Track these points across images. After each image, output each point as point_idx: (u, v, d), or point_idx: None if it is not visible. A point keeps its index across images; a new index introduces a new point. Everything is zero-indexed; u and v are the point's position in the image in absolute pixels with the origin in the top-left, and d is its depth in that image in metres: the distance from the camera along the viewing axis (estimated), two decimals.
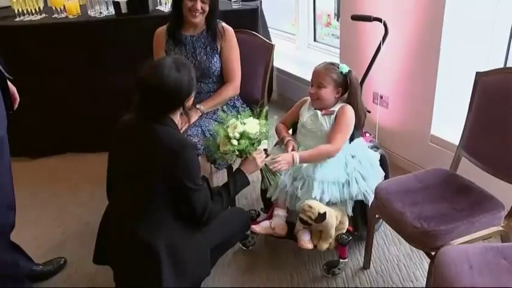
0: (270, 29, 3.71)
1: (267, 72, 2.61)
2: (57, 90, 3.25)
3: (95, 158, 3.25)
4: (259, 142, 1.98)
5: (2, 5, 3.37)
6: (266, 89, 2.64)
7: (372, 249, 2.23)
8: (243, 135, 1.94)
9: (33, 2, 3.15)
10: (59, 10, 3.19)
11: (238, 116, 2.04)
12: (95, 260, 1.89)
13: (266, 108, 2.42)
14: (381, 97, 2.96)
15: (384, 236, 2.38)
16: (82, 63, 3.16)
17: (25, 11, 3.17)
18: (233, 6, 3.07)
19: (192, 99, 1.78)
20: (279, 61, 4.06)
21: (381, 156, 2.24)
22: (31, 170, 3.26)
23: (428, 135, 2.69)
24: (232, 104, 2.50)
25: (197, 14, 2.31)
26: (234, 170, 2.01)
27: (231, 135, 1.94)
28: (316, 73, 2.15)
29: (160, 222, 1.68)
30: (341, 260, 2.10)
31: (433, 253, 1.67)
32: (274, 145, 2.35)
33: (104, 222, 1.87)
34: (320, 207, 1.96)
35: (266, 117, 2.10)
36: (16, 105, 1.97)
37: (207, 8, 2.32)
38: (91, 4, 3.14)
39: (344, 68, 2.13)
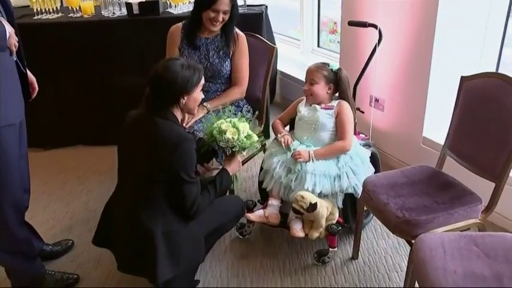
0: (275, 34, 3.87)
1: (268, 72, 2.76)
2: (71, 86, 3.43)
3: (104, 151, 3.42)
4: (240, 149, 2.09)
5: (22, 4, 3.56)
6: (267, 89, 2.79)
7: (362, 242, 2.36)
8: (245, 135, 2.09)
9: (51, 2, 3.34)
10: (74, 10, 3.37)
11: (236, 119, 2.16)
12: (94, 241, 2.02)
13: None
14: (377, 100, 3.09)
15: (374, 230, 2.50)
16: (94, 60, 3.33)
17: (43, 10, 3.35)
18: (239, 11, 3.22)
19: (193, 100, 1.89)
20: (283, 65, 4.22)
21: (372, 153, 2.38)
22: (43, 160, 3.43)
23: (420, 137, 2.82)
24: (236, 103, 2.64)
25: (217, 24, 2.44)
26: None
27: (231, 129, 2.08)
28: (309, 71, 2.32)
29: (158, 209, 1.80)
30: (330, 249, 2.24)
31: (414, 241, 1.79)
32: (272, 140, 2.50)
33: (107, 208, 2.01)
34: (312, 198, 2.10)
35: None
36: (34, 95, 2.12)
37: (226, 18, 2.45)
38: (105, 5, 3.32)
39: (334, 66, 2.30)
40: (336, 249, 2.25)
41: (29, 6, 3.47)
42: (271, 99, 3.99)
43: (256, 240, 2.47)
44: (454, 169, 2.09)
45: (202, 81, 1.90)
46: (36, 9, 3.34)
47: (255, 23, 3.18)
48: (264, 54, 2.75)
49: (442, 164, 2.16)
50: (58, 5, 3.42)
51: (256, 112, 2.43)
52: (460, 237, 1.66)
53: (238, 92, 2.58)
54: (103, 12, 3.33)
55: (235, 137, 2.05)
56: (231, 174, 2.06)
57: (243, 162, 2.70)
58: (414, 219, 1.79)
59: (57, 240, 2.46)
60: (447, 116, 2.26)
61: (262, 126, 2.78)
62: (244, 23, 2.92)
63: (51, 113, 3.48)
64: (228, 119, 2.15)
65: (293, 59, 4.36)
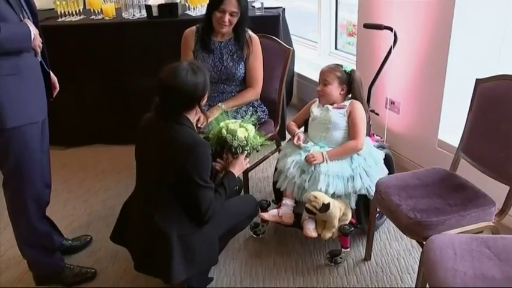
0: (293, 37, 3.90)
1: (284, 74, 2.79)
2: (91, 87, 3.52)
3: (122, 150, 3.50)
4: (251, 148, 2.12)
5: (46, 7, 3.66)
6: (283, 90, 2.82)
7: (375, 243, 2.37)
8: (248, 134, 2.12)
9: (74, 4, 3.43)
10: (96, 12, 3.47)
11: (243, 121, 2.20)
12: (112, 238, 2.09)
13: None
14: (393, 103, 3.10)
15: (387, 231, 2.51)
16: (114, 62, 3.41)
17: (66, 13, 3.45)
18: (256, 13, 3.27)
19: (206, 99, 1.93)
20: (301, 67, 4.25)
21: (386, 155, 2.39)
22: (64, 158, 3.53)
23: (436, 140, 2.82)
24: (251, 104, 2.68)
25: (224, 25, 2.47)
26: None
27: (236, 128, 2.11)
28: (322, 72, 2.35)
29: (173, 213, 1.84)
30: (343, 250, 2.26)
31: (425, 243, 1.80)
32: (288, 141, 2.54)
33: (125, 208, 2.07)
34: (325, 198, 2.13)
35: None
36: (55, 94, 2.20)
37: (234, 21, 2.48)
38: (125, 7, 3.40)
39: (348, 67, 2.33)
40: (348, 249, 2.27)
41: (53, 9, 3.58)
42: (288, 101, 4.01)
43: (269, 239, 2.50)
44: (468, 172, 2.09)
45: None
46: (60, 11, 3.44)
47: (272, 25, 3.22)
48: (280, 56, 2.78)
49: (456, 167, 2.16)
50: (81, 7, 3.52)
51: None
52: (471, 239, 1.67)
53: (253, 93, 2.62)
54: (123, 14, 3.41)
55: (247, 136, 2.09)
56: (236, 175, 2.08)
57: (257, 163, 2.75)
58: (425, 221, 1.80)
59: (76, 236, 2.54)
60: (463, 118, 2.26)
61: (278, 127, 2.82)
62: (261, 25, 2.97)
63: (72, 112, 3.59)
64: (233, 120, 2.19)
65: (310, 61, 4.38)
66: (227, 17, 2.44)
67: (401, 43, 2.59)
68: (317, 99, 2.44)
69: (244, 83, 2.66)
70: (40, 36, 1.90)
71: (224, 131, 2.11)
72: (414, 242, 2.39)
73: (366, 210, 2.28)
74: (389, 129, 3.05)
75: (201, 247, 1.89)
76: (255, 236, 2.50)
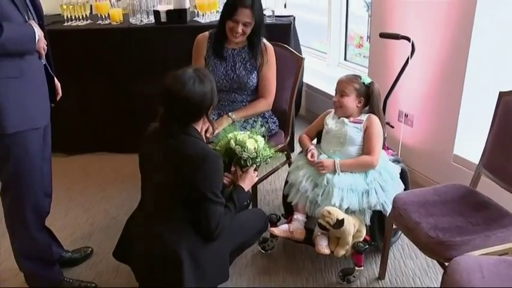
0: (302, 47, 3.82)
1: (295, 84, 2.70)
2: (96, 93, 3.43)
3: (126, 158, 3.39)
4: (262, 160, 2.03)
5: (53, 12, 3.58)
6: (294, 101, 2.73)
7: (389, 262, 2.26)
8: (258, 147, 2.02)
9: (81, 9, 3.36)
10: (103, 17, 3.39)
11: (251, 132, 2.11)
12: (115, 255, 1.98)
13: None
14: (407, 116, 3.01)
15: (401, 249, 2.40)
16: (120, 67, 3.33)
17: (73, 17, 3.38)
18: (267, 21, 3.19)
19: (213, 107, 1.84)
20: (309, 77, 4.16)
21: (401, 170, 2.29)
22: (66, 165, 3.43)
23: (451, 154, 2.72)
24: (262, 114, 2.58)
25: (237, 35, 2.38)
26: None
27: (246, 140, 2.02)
28: (340, 82, 2.25)
29: (182, 229, 1.75)
30: (356, 268, 2.15)
31: (447, 264, 1.69)
32: (299, 153, 2.45)
33: (130, 224, 1.96)
34: (339, 214, 2.03)
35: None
36: (58, 99, 2.11)
37: (248, 31, 2.39)
38: (133, 12, 3.33)
39: (366, 80, 2.23)
40: (362, 268, 2.16)
41: (59, 14, 3.50)
42: (296, 112, 3.93)
43: (279, 255, 2.39)
44: (489, 189, 2.00)
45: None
46: (67, 16, 3.37)
47: (283, 33, 3.14)
48: (292, 65, 2.70)
49: (476, 183, 2.06)
50: (88, 12, 3.44)
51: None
52: (499, 262, 1.56)
53: (265, 104, 2.53)
54: (131, 20, 3.34)
55: (257, 147, 2.00)
56: (246, 190, 1.99)
57: (267, 175, 2.66)
58: (448, 241, 1.70)
59: (76, 247, 2.43)
60: (480, 133, 2.17)
61: (288, 139, 2.73)
62: (272, 33, 2.88)
63: (75, 119, 3.49)
64: (241, 132, 2.10)
65: (319, 71, 4.31)
66: (240, 28, 2.35)
67: (416, 53, 2.51)
68: (331, 110, 2.35)
69: (256, 93, 2.57)
70: (45, 39, 1.82)
71: (233, 143, 2.01)
72: (430, 260, 2.28)
73: (381, 227, 2.18)
74: (402, 143, 2.95)
75: (212, 264, 1.80)
76: (263, 251, 2.39)
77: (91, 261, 2.40)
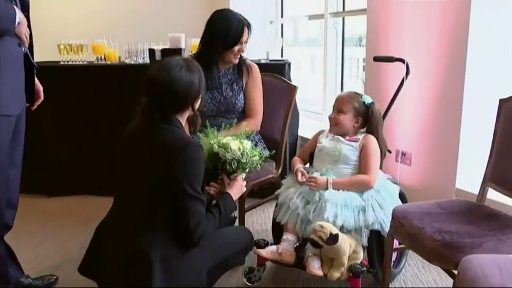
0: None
1: (288, 113, 2.62)
2: (82, 134, 3.33)
3: (108, 201, 3.16)
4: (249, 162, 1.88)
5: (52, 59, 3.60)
6: (286, 130, 2.63)
7: None
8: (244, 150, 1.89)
9: (78, 50, 3.38)
10: (100, 58, 3.41)
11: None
12: (81, 269, 1.76)
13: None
14: (404, 154, 2.88)
15: (404, 284, 2.14)
16: (110, 107, 3.26)
17: (69, 60, 3.39)
18: (261, 61, 3.21)
19: (200, 100, 1.73)
20: (304, 132, 4.09)
21: (400, 192, 2.13)
22: (46, 205, 3.25)
23: (453, 189, 2.55)
24: (251, 138, 2.47)
25: (238, 56, 2.36)
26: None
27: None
28: (338, 99, 2.16)
29: (157, 230, 1.56)
30: None
31: (456, 272, 1.47)
32: (289, 175, 2.29)
33: (98, 233, 1.77)
34: (332, 229, 1.83)
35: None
36: (38, 103, 2.01)
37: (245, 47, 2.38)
38: (128, 53, 3.36)
39: (367, 99, 2.14)
40: None
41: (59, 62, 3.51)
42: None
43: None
44: (495, 204, 1.82)
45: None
46: (64, 56, 3.39)
47: (278, 71, 3.10)
48: (284, 94, 2.64)
49: (483, 199, 1.89)
50: (85, 53, 3.44)
51: (273, 151, 2.24)
52: None
53: (253, 124, 2.41)
54: (126, 60, 3.36)
55: (242, 148, 1.85)
56: (234, 198, 1.82)
57: (256, 205, 2.47)
58: (456, 242, 1.50)
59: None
60: (482, 162, 2.04)
61: (280, 169, 2.58)
62: (266, 71, 2.84)
63: (59, 161, 3.36)
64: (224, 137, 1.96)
65: (315, 128, 4.25)
66: (244, 46, 2.34)
67: (410, 85, 2.47)
68: (324, 130, 2.24)
69: (243, 116, 2.48)
70: (29, 28, 1.77)
71: (216, 146, 1.87)
72: None
73: (380, 251, 1.95)
74: (401, 184, 2.79)
75: (187, 276, 1.57)
76: (248, 283, 2.13)
77: None
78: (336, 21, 4.06)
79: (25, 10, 1.81)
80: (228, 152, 1.81)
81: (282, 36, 4.88)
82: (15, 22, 1.66)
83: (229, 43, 2.31)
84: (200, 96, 1.71)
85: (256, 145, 2.42)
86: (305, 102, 4.36)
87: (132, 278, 1.53)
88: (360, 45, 4.03)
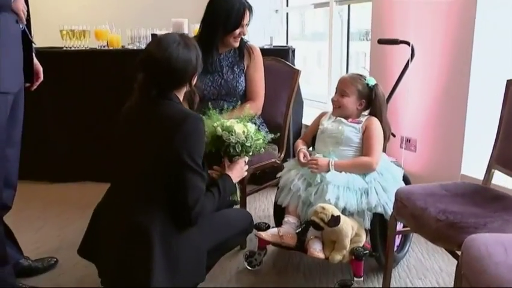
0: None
1: (291, 97, 2.58)
2: (85, 120, 3.32)
3: None
4: (253, 145, 1.86)
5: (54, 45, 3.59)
6: (289, 114, 2.59)
7: (393, 281, 1.96)
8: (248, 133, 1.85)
9: (81, 35, 3.35)
10: (102, 45, 3.38)
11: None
12: (80, 251, 1.74)
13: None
14: (409, 140, 2.84)
15: (408, 269, 2.10)
16: (112, 94, 3.23)
17: (72, 46, 3.37)
18: (264, 47, 3.17)
19: (196, 76, 1.70)
20: (309, 121, 4.05)
21: (404, 175, 2.09)
22: (48, 192, 3.24)
23: (459, 175, 2.50)
24: (252, 122, 2.43)
25: (240, 38, 2.32)
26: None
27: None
28: (341, 81, 2.12)
29: (156, 207, 1.54)
30: (355, 279, 1.85)
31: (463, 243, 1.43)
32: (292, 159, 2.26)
33: (96, 214, 1.75)
34: (334, 210, 1.79)
35: None
36: (37, 84, 1.98)
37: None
38: (131, 40, 3.33)
39: (371, 81, 2.09)
40: (361, 279, 1.86)
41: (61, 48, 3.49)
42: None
43: (267, 272, 2.10)
44: (502, 189, 1.78)
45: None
46: (65, 46, 3.36)
47: (282, 57, 3.06)
48: (287, 78, 2.59)
49: (489, 181, 1.84)
50: (88, 39, 3.42)
51: (278, 134, 2.20)
52: None
53: (254, 107, 2.36)
54: (128, 46, 3.33)
55: (246, 131, 1.82)
56: (234, 181, 1.78)
57: (259, 188, 2.44)
58: (460, 222, 1.45)
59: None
60: (488, 147, 2.00)
61: (283, 153, 2.54)
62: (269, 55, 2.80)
63: (62, 146, 3.35)
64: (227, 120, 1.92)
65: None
66: (245, 29, 2.29)
67: (415, 71, 2.42)
68: (327, 111, 2.20)
69: (245, 99, 2.44)
70: (26, 4, 1.74)
71: (219, 129, 1.84)
72: (442, 281, 1.98)
73: (383, 234, 1.91)
74: (405, 170, 2.75)
75: (186, 255, 1.55)
76: (249, 267, 2.10)
77: (53, 272, 2.12)
78: (341, 9, 4.01)
79: None
80: (232, 135, 1.78)
81: (287, 25, 4.84)
82: None
83: (230, 26, 2.26)
84: (197, 72, 1.68)
85: (258, 129, 2.39)
86: (312, 96, 4.33)
87: (132, 252, 1.50)
88: (367, 39, 3.97)
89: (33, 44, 1.87)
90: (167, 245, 1.51)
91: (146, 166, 1.56)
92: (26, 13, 1.74)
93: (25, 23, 1.77)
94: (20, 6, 1.69)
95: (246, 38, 2.41)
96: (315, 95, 4.47)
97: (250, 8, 2.29)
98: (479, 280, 1.16)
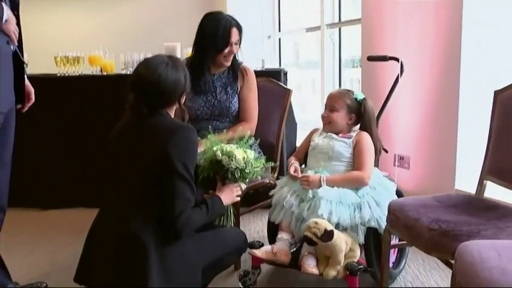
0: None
1: (283, 116, 2.59)
2: (78, 146, 3.31)
3: None
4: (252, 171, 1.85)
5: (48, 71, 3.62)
6: (281, 134, 2.60)
7: None
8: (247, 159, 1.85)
9: (75, 61, 3.38)
10: (96, 70, 3.42)
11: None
12: (76, 278, 1.72)
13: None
14: (402, 158, 2.85)
15: (404, 286, 2.06)
16: (106, 118, 3.24)
17: (66, 73, 3.40)
18: (256, 69, 3.20)
19: (185, 96, 1.74)
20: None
21: (397, 190, 2.08)
22: (40, 218, 3.21)
23: (453, 190, 2.49)
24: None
25: (230, 58, 2.33)
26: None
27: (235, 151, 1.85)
28: (330, 96, 2.14)
29: (151, 220, 1.53)
30: None
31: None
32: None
33: (91, 236, 1.74)
34: (327, 225, 1.77)
35: None
36: (28, 106, 1.99)
37: (237, 49, 2.35)
38: (124, 65, 3.37)
39: (359, 95, 2.11)
40: None
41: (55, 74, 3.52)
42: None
43: None
44: (496, 197, 1.77)
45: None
46: (60, 73, 3.40)
47: (274, 78, 3.09)
48: (279, 98, 2.62)
49: (481, 194, 1.83)
50: (82, 65, 3.45)
51: (271, 163, 2.20)
52: None
53: (248, 128, 2.36)
54: (122, 71, 3.36)
55: (246, 157, 1.82)
56: (224, 203, 1.76)
57: (250, 189, 2.38)
58: (453, 230, 1.45)
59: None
60: (481, 161, 2.01)
61: (276, 173, 2.53)
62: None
63: (55, 173, 3.33)
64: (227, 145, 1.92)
65: None
66: (234, 48, 2.31)
67: (406, 87, 2.45)
68: (318, 128, 2.21)
69: (238, 120, 2.45)
70: (18, 26, 1.77)
71: (219, 153, 1.83)
72: None
73: (378, 249, 1.89)
74: (399, 187, 2.75)
75: (180, 268, 1.55)
76: (242, 287, 2.06)
77: None
78: (332, 33, 4.09)
79: (15, 9, 1.81)
80: (232, 160, 1.78)
81: (280, 50, 4.93)
82: (2, 19, 1.66)
83: (219, 45, 2.28)
84: (186, 91, 1.71)
85: (251, 147, 2.39)
86: (307, 123, 4.36)
87: (127, 262, 1.50)
88: (360, 66, 4.03)
89: (25, 65, 1.88)
90: (162, 257, 1.50)
91: (139, 178, 1.56)
92: (17, 35, 1.76)
93: (17, 44, 1.79)
94: (11, 27, 1.72)
95: (240, 59, 2.44)
96: (310, 121, 4.48)
97: (238, 26, 2.31)
98: (473, 285, 1.14)
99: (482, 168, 1.85)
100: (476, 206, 1.68)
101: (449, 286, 1.38)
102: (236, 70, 2.41)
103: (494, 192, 1.96)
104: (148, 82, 1.58)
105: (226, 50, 2.31)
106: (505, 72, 2.39)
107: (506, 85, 1.81)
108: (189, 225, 1.54)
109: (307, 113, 4.59)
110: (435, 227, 1.47)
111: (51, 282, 2.18)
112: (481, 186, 1.83)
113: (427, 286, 2.06)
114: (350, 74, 4.17)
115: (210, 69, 2.39)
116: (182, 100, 1.71)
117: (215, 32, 2.28)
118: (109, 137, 1.72)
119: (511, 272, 1.11)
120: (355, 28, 3.57)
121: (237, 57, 2.43)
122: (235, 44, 2.32)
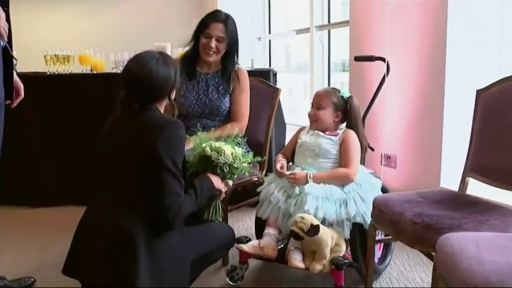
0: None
1: (271, 116, 2.62)
2: (71, 144, 3.31)
3: None
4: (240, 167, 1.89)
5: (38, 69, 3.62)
6: (270, 132, 2.63)
7: None
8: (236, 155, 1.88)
9: (65, 60, 3.39)
10: (86, 69, 3.42)
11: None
12: (65, 270, 1.73)
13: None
14: (389, 157, 2.89)
15: (390, 281, 2.10)
16: (98, 119, 3.25)
17: (55, 71, 3.40)
18: (246, 69, 3.22)
19: (175, 91, 1.77)
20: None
21: (383, 186, 2.12)
22: (29, 216, 3.19)
23: (438, 188, 2.53)
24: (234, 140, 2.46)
25: (211, 52, 2.34)
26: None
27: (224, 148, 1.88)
28: (317, 95, 2.17)
29: (140, 215, 1.56)
30: None
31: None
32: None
33: (80, 229, 1.75)
34: (313, 220, 1.80)
35: None
36: (17, 101, 2.00)
37: (221, 48, 2.35)
38: (115, 64, 3.37)
39: (345, 93, 2.15)
40: None
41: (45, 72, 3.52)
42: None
43: (249, 286, 2.07)
44: (478, 194, 1.81)
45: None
46: (49, 71, 3.39)
47: (263, 78, 3.12)
48: (267, 96, 2.65)
49: (465, 189, 1.88)
50: (72, 64, 3.45)
51: (258, 157, 2.22)
52: (497, 236, 1.34)
53: (237, 126, 2.39)
54: (113, 70, 3.37)
55: (235, 153, 1.85)
56: (214, 184, 1.79)
57: (238, 186, 2.41)
58: (436, 223, 1.48)
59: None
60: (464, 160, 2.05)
61: (264, 170, 2.56)
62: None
63: (45, 172, 3.33)
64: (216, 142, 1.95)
65: None
66: (213, 43, 2.32)
67: (393, 87, 2.49)
68: (305, 126, 2.24)
69: (228, 119, 2.47)
70: (7, 21, 1.77)
71: (208, 149, 1.86)
72: None
73: (363, 244, 1.92)
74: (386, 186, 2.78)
75: (169, 262, 1.56)
76: (231, 283, 2.08)
77: None
78: (322, 35, 4.14)
79: (5, 5, 1.81)
80: (221, 155, 1.80)
81: (270, 52, 4.97)
82: None
83: (198, 33, 2.34)
84: (176, 87, 1.74)
85: (239, 144, 2.41)
86: (297, 127, 4.38)
87: (116, 257, 1.52)
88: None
89: (14, 61, 1.89)
90: (151, 252, 1.52)
91: (130, 174, 1.58)
92: (7, 31, 1.77)
93: (6, 40, 1.80)
94: (1, 23, 1.72)
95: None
96: (301, 125, 4.53)
97: (225, 24, 2.31)
98: (452, 276, 1.17)
99: (465, 165, 1.89)
100: (459, 202, 1.72)
101: (431, 277, 1.40)
102: (229, 71, 2.43)
103: (477, 189, 2.00)
104: (139, 77, 1.61)
105: (204, 41, 2.33)
106: (488, 72, 2.44)
107: (488, 84, 1.85)
108: (180, 214, 1.56)
109: (297, 116, 4.63)
110: (419, 221, 1.51)
111: (40, 278, 2.19)
112: (463, 183, 1.87)
113: (412, 281, 2.09)
114: (340, 77, 4.22)
115: (203, 66, 2.42)
116: (173, 96, 1.74)
117: (202, 21, 2.35)
118: (101, 133, 1.74)
119: (488, 262, 1.14)
120: (345, 32, 3.63)
121: (235, 60, 2.44)
122: (217, 40, 2.32)
